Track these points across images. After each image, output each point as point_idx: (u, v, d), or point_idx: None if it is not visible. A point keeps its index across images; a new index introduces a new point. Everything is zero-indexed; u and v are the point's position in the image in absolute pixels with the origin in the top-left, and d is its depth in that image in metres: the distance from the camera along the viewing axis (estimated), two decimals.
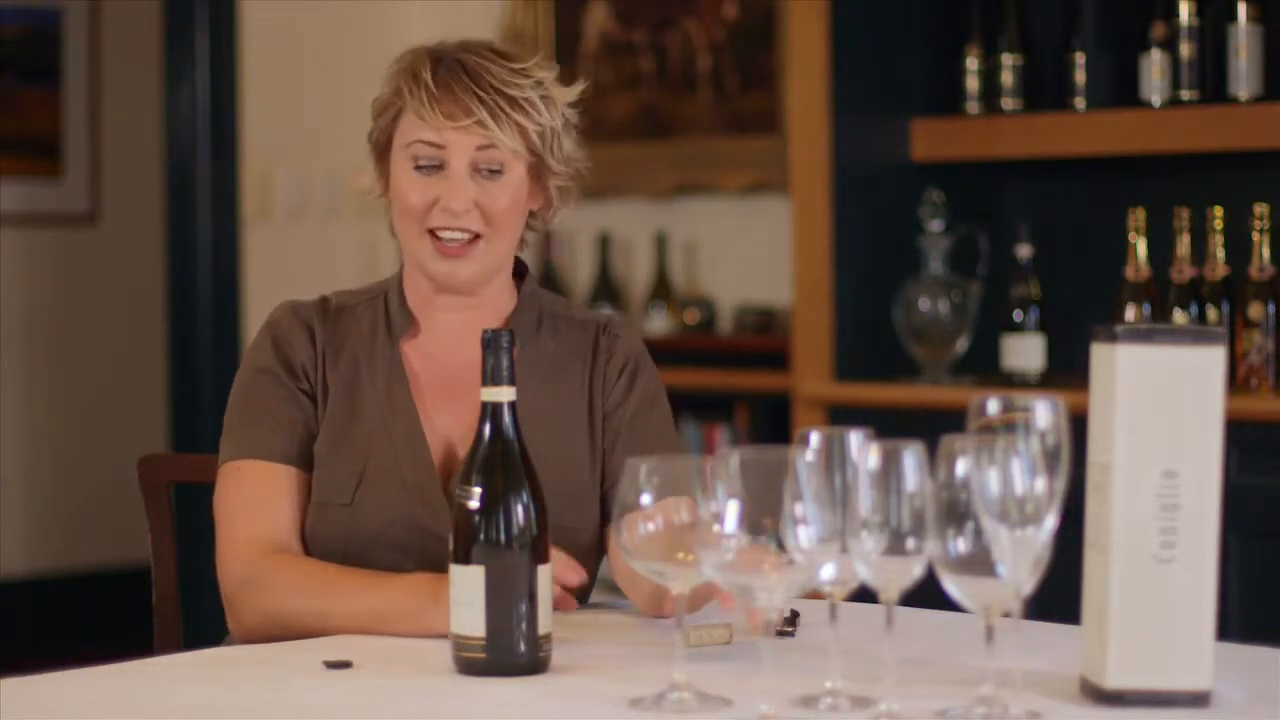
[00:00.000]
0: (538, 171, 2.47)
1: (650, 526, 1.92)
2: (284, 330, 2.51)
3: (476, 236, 2.44)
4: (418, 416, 2.47)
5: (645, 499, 1.91)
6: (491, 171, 2.43)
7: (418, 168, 2.44)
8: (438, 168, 2.43)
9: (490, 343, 2.08)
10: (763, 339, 5.35)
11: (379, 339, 2.51)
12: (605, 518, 2.46)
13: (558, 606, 2.16)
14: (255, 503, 2.42)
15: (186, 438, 5.89)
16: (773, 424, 5.13)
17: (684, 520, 1.91)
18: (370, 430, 2.46)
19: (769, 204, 5.47)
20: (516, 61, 2.45)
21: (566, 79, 2.52)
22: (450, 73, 2.43)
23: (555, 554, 2.17)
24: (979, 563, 1.80)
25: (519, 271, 2.56)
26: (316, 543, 2.42)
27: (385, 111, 2.48)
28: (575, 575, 2.19)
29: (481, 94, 2.41)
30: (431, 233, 2.44)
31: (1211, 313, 4.10)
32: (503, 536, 2.04)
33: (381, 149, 2.50)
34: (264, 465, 2.44)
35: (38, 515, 6.74)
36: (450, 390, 2.48)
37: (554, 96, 2.47)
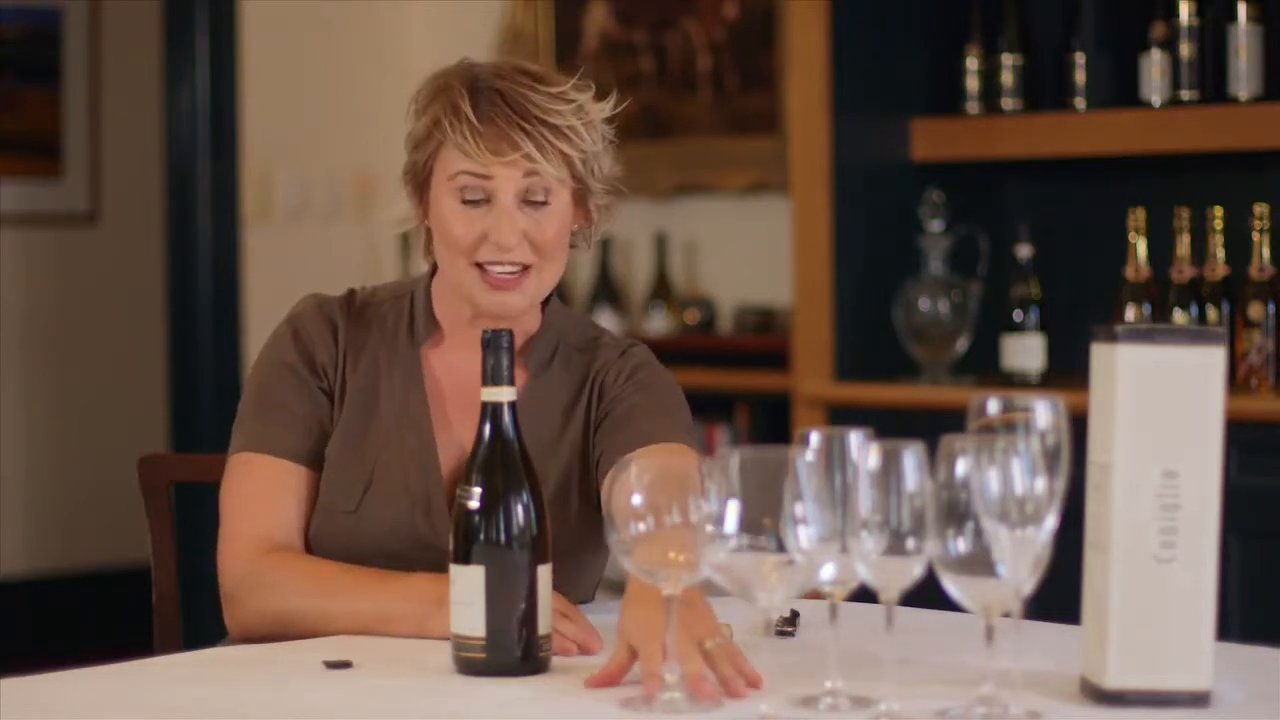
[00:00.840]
0: (581, 196, 2.45)
1: (641, 526, 1.92)
2: (306, 325, 2.49)
3: (526, 267, 2.41)
4: (431, 427, 2.45)
5: (636, 499, 1.92)
6: (538, 202, 2.39)
7: (464, 201, 2.39)
8: (484, 200, 2.39)
9: (490, 343, 2.08)
10: (763, 339, 5.35)
11: (400, 341, 2.49)
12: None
13: (574, 652, 2.16)
14: (260, 499, 2.42)
15: (186, 438, 5.89)
16: (773, 424, 5.13)
17: (675, 521, 1.91)
18: (383, 436, 2.45)
19: (769, 204, 5.47)
20: (552, 85, 2.41)
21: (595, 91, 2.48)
22: (491, 104, 2.37)
23: (574, 617, 2.17)
24: (979, 563, 1.80)
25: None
26: (318, 548, 2.41)
27: (423, 145, 2.42)
28: (597, 643, 2.17)
29: (526, 126, 2.36)
30: (480, 266, 2.41)
31: (1211, 313, 4.11)
32: (503, 536, 2.04)
33: (421, 182, 2.45)
34: (273, 461, 2.43)
35: (38, 515, 6.74)
36: (469, 403, 2.43)
37: (593, 118, 2.42)
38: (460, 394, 2.47)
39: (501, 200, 2.37)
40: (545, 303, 2.51)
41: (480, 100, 2.37)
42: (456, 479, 2.41)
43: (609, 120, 2.47)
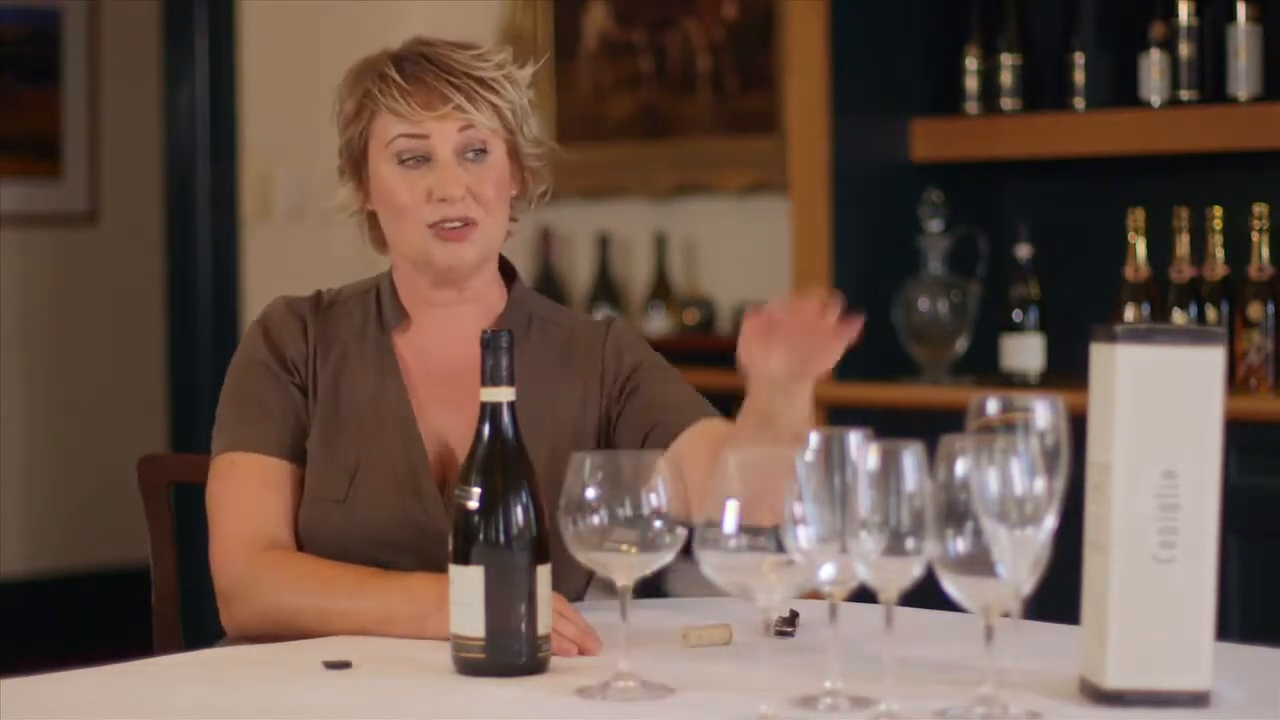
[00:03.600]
0: (513, 152, 2.48)
1: (594, 520, 1.93)
2: (276, 324, 2.51)
3: (472, 223, 2.44)
4: (411, 410, 2.47)
5: (590, 493, 1.93)
6: (477, 153, 2.43)
7: (402, 163, 2.44)
8: (423, 160, 2.43)
9: (490, 343, 2.08)
10: None
11: (370, 331, 2.51)
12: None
13: (573, 652, 2.16)
14: (249, 497, 2.42)
15: (186, 438, 5.89)
16: None
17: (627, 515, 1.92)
18: (363, 424, 2.46)
19: (769, 204, 5.47)
20: (474, 48, 2.47)
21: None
22: (416, 65, 2.43)
23: (574, 618, 2.17)
24: (979, 563, 1.80)
25: (506, 271, 2.56)
26: (310, 539, 2.42)
27: (355, 120, 2.47)
28: (596, 643, 2.18)
29: (453, 80, 2.42)
30: (431, 226, 2.44)
31: (1211, 313, 4.11)
32: (502, 537, 2.04)
33: (357, 160, 2.49)
34: (257, 459, 2.44)
35: (38, 515, 6.74)
36: (443, 386, 2.48)
37: (516, 77, 2.48)
38: (433, 377, 2.49)
39: (441, 155, 2.42)
40: (510, 282, 2.54)
41: (405, 64, 2.44)
42: (440, 460, 2.45)
43: (529, 85, 2.51)
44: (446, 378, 2.48)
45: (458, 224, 2.43)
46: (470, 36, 2.56)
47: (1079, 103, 4.38)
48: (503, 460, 2.07)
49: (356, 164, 2.49)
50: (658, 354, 2.56)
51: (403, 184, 2.44)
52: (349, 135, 2.49)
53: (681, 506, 1.94)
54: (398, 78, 2.42)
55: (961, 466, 1.80)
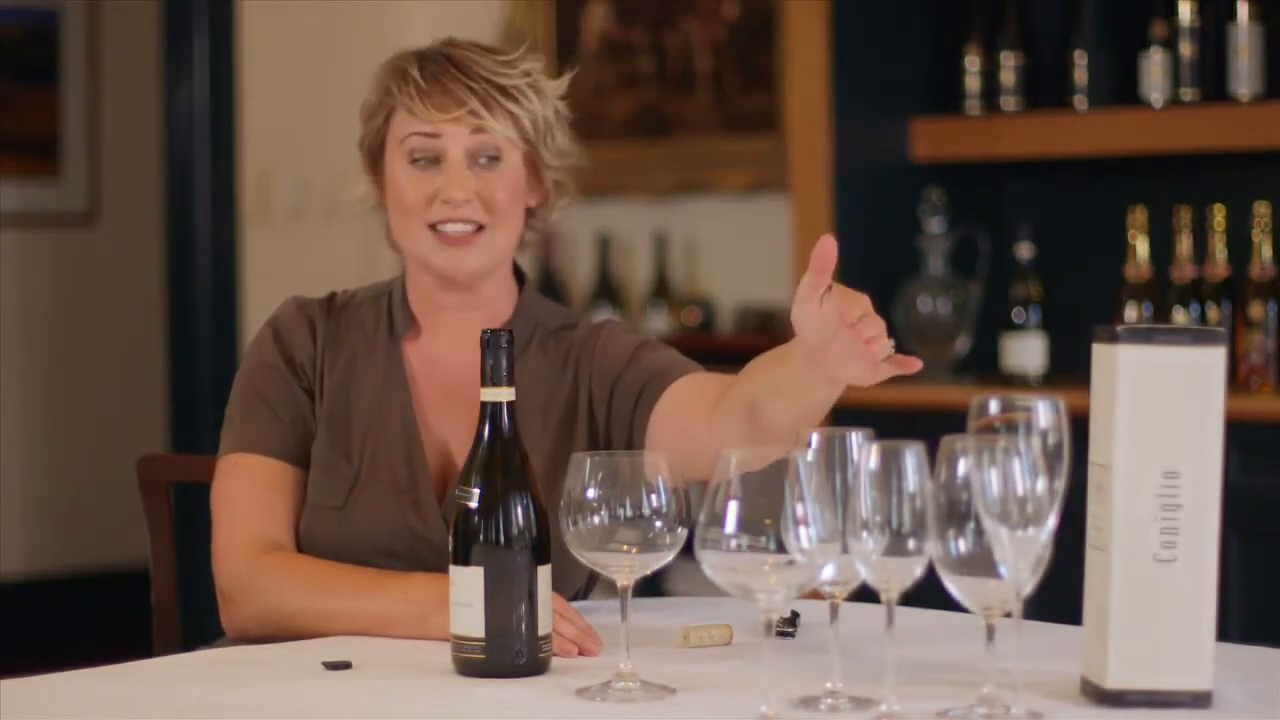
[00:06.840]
0: (533, 164, 2.47)
1: (595, 520, 1.94)
2: (287, 326, 2.51)
3: (480, 228, 2.43)
4: (415, 419, 2.46)
5: (590, 493, 1.94)
6: (489, 159, 2.43)
7: (414, 162, 2.44)
8: (434, 161, 2.43)
9: (490, 343, 2.08)
10: (763, 339, 5.34)
11: (380, 337, 2.51)
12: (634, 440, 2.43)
13: (574, 653, 2.15)
14: (253, 499, 2.42)
15: (186, 438, 5.88)
16: None
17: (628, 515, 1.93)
18: (366, 431, 2.46)
19: (769, 204, 5.47)
20: (502, 55, 2.46)
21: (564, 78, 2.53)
22: (438, 66, 2.43)
23: (574, 619, 2.17)
24: (979, 563, 1.80)
25: (517, 275, 2.55)
26: (308, 544, 2.41)
27: (375, 115, 2.49)
28: (596, 644, 2.17)
29: (471, 84, 2.42)
30: (433, 227, 2.44)
31: (1212, 312, 4.11)
32: (502, 537, 2.04)
33: (375, 154, 2.51)
34: (263, 461, 2.44)
35: (38, 515, 6.74)
36: (450, 395, 2.47)
37: (543, 87, 2.47)
38: (440, 386, 2.48)
39: (451, 157, 2.42)
40: (520, 288, 2.53)
41: (428, 65, 2.45)
42: (442, 470, 2.44)
43: (563, 98, 2.50)
44: (453, 387, 2.47)
45: (463, 228, 2.42)
46: (470, 36, 2.55)
47: (1080, 102, 4.38)
48: (503, 460, 2.07)
49: (374, 159, 2.51)
50: (653, 338, 2.54)
51: (411, 183, 2.44)
52: (369, 129, 2.50)
53: (679, 476, 1.96)
54: (418, 77, 2.43)
55: (963, 467, 1.79)
